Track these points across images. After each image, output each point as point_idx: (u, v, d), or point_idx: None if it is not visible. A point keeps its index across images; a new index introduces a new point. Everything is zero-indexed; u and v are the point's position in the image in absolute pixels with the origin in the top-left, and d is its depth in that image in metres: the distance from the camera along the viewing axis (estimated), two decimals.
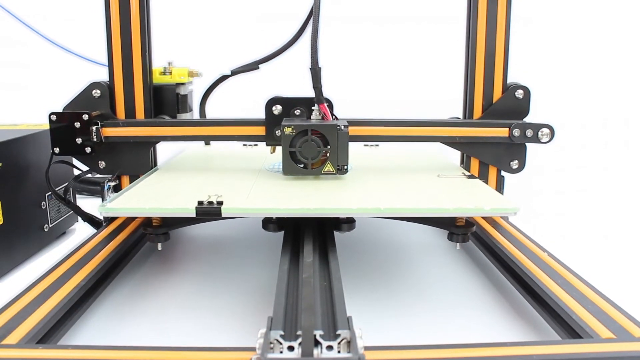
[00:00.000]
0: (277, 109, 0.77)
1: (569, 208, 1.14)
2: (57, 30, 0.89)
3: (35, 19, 0.86)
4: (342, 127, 0.70)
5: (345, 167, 0.72)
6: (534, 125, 0.80)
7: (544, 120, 0.80)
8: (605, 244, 0.92)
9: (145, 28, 0.78)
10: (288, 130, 0.70)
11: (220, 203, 0.59)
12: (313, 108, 0.74)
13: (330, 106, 0.75)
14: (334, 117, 0.74)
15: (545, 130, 0.80)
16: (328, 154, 0.71)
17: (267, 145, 0.79)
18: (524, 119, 0.81)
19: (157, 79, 0.82)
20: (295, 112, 0.77)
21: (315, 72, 0.70)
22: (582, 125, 1.43)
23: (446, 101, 1.01)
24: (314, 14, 0.70)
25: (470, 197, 0.65)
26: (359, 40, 1.40)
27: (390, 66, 1.41)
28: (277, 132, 0.76)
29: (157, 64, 0.83)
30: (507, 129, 0.80)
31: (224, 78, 0.82)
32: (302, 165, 0.72)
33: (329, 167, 0.72)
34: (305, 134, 0.70)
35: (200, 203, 0.59)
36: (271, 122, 0.77)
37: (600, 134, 1.43)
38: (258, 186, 0.69)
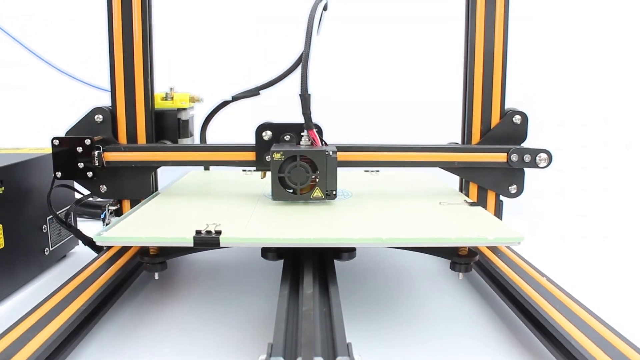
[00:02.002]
0: (267, 134, 0.78)
1: (569, 208, 1.14)
2: (60, 45, 0.89)
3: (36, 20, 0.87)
4: (331, 152, 0.71)
5: (334, 192, 0.72)
6: (532, 150, 0.80)
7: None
8: (604, 244, 0.91)
9: (147, 54, 0.79)
10: (277, 155, 0.71)
11: (218, 232, 0.59)
12: (302, 134, 0.75)
13: (320, 132, 0.76)
14: (323, 142, 0.75)
15: (543, 155, 0.81)
16: (317, 180, 0.72)
17: (256, 170, 0.80)
18: (522, 144, 0.82)
19: (159, 104, 0.83)
20: (285, 137, 0.78)
21: (305, 99, 0.72)
22: (583, 124, 1.43)
23: (444, 102, 1.01)
24: (305, 41, 0.71)
25: (473, 227, 0.65)
26: (358, 41, 1.41)
27: (390, 67, 1.42)
28: (267, 157, 0.77)
29: (159, 89, 0.84)
30: (505, 154, 0.81)
31: (224, 104, 0.83)
32: (291, 191, 0.73)
33: (317, 193, 0.72)
34: (294, 160, 0.71)
35: (198, 232, 0.59)
36: (261, 147, 0.78)
37: (600, 134, 1.43)
38: (257, 214, 0.69)
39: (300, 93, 0.72)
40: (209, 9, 1.42)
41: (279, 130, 0.78)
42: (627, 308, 0.76)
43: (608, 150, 1.42)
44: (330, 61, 1.35)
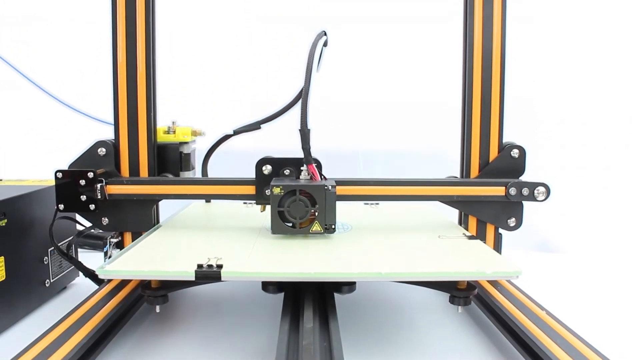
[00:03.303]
0: (267, 168, 0.79)
1: (569, 207, 1.14)
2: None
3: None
4: (330, 187, 0.72)
5: (333, 226, 0.73)
6: (530, 184, 0.81)
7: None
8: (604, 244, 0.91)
9: (150, 88, 0.81)
10: (277, 190, 0.72)
11: (220, 266, 0.60)
12: (302, 168, 0.76)
13: (319, 166, 0.77)
14: (322, 177, 0.76)
15: (541, 189, 0.81)
16: (316, 214, 0.73)
17: (256, 204, 0.81)
18: (520, 178, 0.83)
19: (162, 137, 0.84)
20: (285, 172, 0.79)
21: (304, 134, 0.73)
22: (583, 123, 1.43)
23: (441, 102, 0.99)
24: (305, 77, 0.72)
25: (472, 261, 0.66)
26: (356, 41, 1.42)
27: (388, 67, 1.43)
28: (266, 191, 0.78)
29: (162, 123, 0.85)
30: (504, 187, 0.81)
31: (226, 137, 0.84)
32: (290, 224, 0.73)
33: (316, 227, 0.73)
34: (294, 194, 0.72)
35: (199, 266, 0.60)
36: (261, 181, 0.79)
37: (600, 133, 1.43)
38: (258, 247, 0.70)
39: (300, 128, 0.73)
40: (211, 38, 1.44)
41: (279, 164, 0.79)
42: (625, 337, 0.76)
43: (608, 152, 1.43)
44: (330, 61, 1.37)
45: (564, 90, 1.42)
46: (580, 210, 1.24)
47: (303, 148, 0.74)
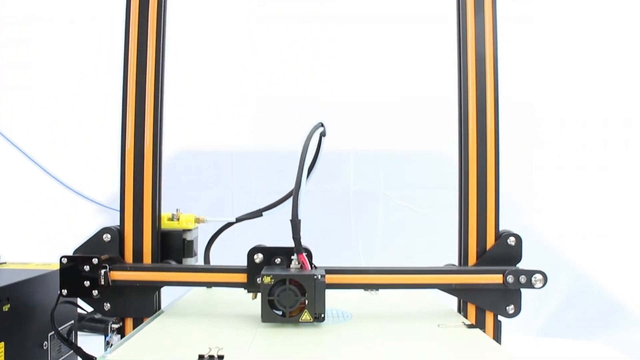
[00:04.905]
0: (258, 257, 0.81)
1: (568, 206, 1.13)
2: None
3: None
4: (319, 276, 0.74)
5: (322, 315, 0.74)
6: (527, 271, 0.82)
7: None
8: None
9: (157, 176, 0.84)
10: (267, 279, 0.74)
11: (221, 357, 0.61)
12: (292, 257, 0.78)
13: (309, 255, 0.79)
14: (312, 266, 0.78)
15: (538, 276, 0.83)
16: (306, 302, 0.74)
17: (247, 292, 0.82)
18: (517, 265, 0.84)
19: (165, 224, 0.86)
20: (276, 260, 0.81)
21: (295, 224, 0.76)
22: (583, 123, 1.44)
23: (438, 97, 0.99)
24: (298, 169, 0.75)
25: (471, 352, 0.66)
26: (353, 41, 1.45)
27: (386, 67, 1.45)
28: (258, 280, 0.79)
29: (165, 210, 0.87)
30: (502, 275, 0.82)
31: (228, 225, 0.86)
32: (280, 313, 0.74)
33: (306, 316, 0.74)
34: (284, 283, 0.74)
35: (201, 357, 0.60)
36: (252, 270, 0.81)
37: (600, 133, 1.44)
38: (260, 337, 0.70)
39: (291, 219, 0.76)
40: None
41: (270, 253, 0.81)
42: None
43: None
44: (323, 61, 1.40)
45: (564, 91, 1.43)
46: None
47: (294, 238, 0.76)
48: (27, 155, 0.93)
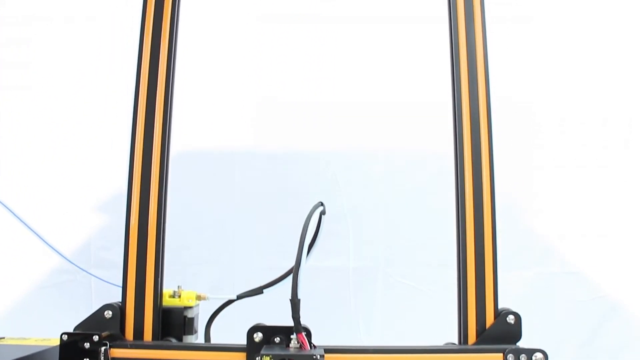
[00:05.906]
0: (257, 336, 0.81)
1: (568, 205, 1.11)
2: None
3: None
4: (318, 356, 0.74)
5: None
6: (527, 350, 0.82)
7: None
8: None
9: (160, 253, 0.85)
10: (266, 359, 0.74)
11: None
12: (292, 337, 0.78)
13: (309, 335, 0.79)
14: (311, 345, 0.78)
15: (539, 355, 0.82)
16: None
17: None
18: (517, 343, 0.84)
19: (167, 301, 0.87)
20: (275, 339, 0.81)
21: (294, 304, 0.76)
22: (582, 123, 1.43)
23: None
24: (298, 249, 0.77)
25: None
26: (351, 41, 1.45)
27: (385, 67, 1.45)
28: (257, 359, 0.79)
29: (167, 286, 0.88)
30: (502, 354, 0.82)
31: (229, 302, 0.87)
32: None
33: None
34: None
35: None
36: (252, 349, 0.81)
37: (600, 133, 1.43)
38: None
39: (290, 298, 0.77)
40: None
41: (270, 332, 0.82)
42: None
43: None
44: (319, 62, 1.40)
45: (564, 90, 1.44)
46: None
47: (293, 317, 0.77)
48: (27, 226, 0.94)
